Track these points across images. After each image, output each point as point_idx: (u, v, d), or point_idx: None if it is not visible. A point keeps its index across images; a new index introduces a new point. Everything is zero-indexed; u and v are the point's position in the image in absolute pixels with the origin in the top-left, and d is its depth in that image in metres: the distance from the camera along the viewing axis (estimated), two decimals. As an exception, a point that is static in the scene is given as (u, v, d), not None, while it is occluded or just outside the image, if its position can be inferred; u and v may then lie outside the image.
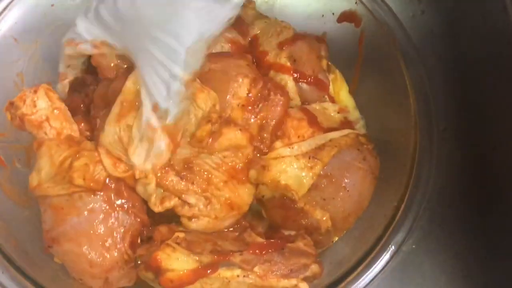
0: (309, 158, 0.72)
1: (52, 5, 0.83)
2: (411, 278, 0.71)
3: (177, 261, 0.63)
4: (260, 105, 0.72)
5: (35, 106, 0.74)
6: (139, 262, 0.67)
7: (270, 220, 0.75)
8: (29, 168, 0.77)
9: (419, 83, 0.78)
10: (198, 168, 0.69)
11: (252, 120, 0.71)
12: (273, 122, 0.73)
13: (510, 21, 0.69)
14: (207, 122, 0.68)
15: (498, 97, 0.73)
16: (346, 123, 0.80)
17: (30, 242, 0.74)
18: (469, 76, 0.78)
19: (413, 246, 0.72)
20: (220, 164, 0.70)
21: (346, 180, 0.72)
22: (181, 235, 0.66)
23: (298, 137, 0.74)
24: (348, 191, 0.72)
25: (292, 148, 0.73)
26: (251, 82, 0.70)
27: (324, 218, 0.71)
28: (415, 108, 0.77)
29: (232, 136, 0.69)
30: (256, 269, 0.64)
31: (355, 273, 0.70)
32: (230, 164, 0.70)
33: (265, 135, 0.73)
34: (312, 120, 0.76)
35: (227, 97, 0.70)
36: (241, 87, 0.70)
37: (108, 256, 0.68)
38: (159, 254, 0.63)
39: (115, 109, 0.68)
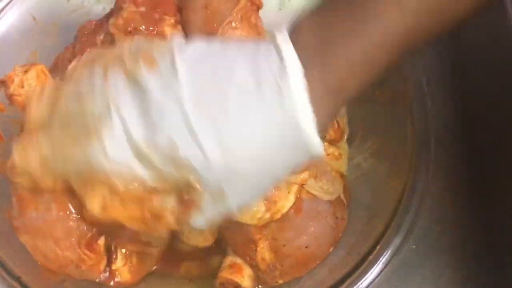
0: None
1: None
2: (411, 278, 0.68)
3: None
4: None
5: (22, 86, 0.73)
6: None
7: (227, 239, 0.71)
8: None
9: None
10: None
11: None
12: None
13: (509, 20, 0.68)
14: None
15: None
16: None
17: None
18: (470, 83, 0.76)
19: (413, 246, 0.70)
20: None
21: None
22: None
23: None
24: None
25: None
26: None
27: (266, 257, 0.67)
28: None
29: None
30: None
31: (356, 274, 0.68)
32: None
33: None
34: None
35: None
36: None
37: (62, 254, 0.67)
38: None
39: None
